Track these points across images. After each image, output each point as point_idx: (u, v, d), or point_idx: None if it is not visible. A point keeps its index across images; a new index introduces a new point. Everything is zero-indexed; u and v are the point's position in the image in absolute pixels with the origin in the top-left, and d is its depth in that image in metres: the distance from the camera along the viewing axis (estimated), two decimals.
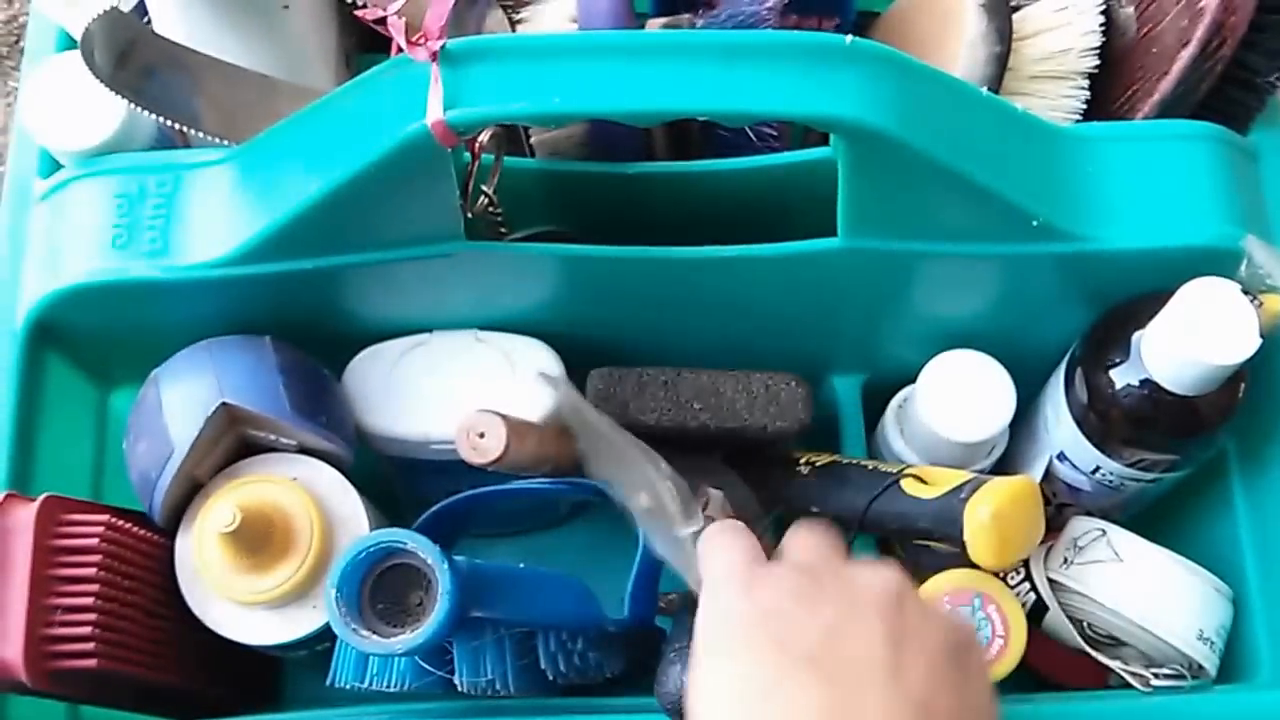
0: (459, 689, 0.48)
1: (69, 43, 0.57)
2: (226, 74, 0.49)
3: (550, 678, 0.51)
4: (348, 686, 0.49)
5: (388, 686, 0.48)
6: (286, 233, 0.47)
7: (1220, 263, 0.50)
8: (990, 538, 0.50)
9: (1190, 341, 0.48)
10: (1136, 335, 0.51)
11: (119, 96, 0.47)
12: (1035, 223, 0.48)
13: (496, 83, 0.41)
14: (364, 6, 0.44)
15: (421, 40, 0.41)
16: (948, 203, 0.47)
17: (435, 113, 0.41)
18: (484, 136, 0.49)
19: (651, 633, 0.58)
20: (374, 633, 0.44)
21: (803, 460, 0.61)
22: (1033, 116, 0.50)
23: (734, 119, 0.42)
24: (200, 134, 0.49)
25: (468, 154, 0.50)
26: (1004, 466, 0.60)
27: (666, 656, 0.48)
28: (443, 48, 0.41)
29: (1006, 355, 0.56)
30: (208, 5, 0.51)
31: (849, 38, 0.41)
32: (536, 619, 0.49)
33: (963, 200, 0.47)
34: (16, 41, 0.81)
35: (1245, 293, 0.48)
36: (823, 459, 0.60)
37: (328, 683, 0.50)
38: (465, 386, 0.54)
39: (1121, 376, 0.52)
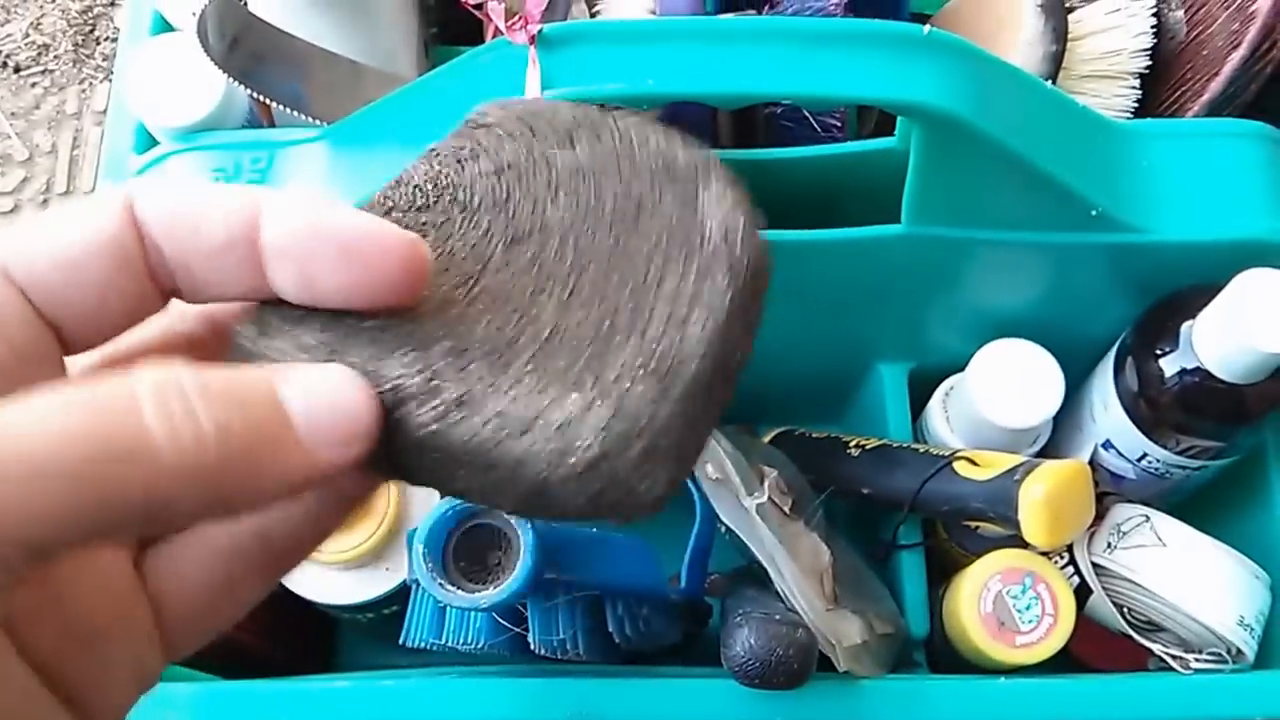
0: (531, 647, 0.50)
1: (164, 25, 0.59)
2: (324, 59, 0.52)
3: (616, 641, 0.52)
4: (423, 645, 0.51)
5: (463, 644, 0.50)
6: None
7: (1270, 256, 0.52)
8: (1044, 517, 0.51)
9: (1243, 329, 0.49)
10: (1187, 325, 0.53)
11: (231, 79, 0.49)
12: (1094, 212, 0.50)
13: (592, 65, 0.43)
14: None
15: (521, 24, 0.43)
16: (1013, 190, 0.49)
17: (533, 93, 0.43)
18: None
19: (700, 607, 0.60)
20: (459, 589, 0.47)
21: (852, 443, 0.63)
22: (1092, 111, 0.52)
23: (820, 103, 0.44)
24: (299, 115, 0.51)
25: None
26: (1047, 455, 0.62)
27: (732, 622, 0.50)
28: (539, 31, 0.44)
29: (1052, 345, 0.58)
30: None
31: (926, 27, 0.43)
32: (607, 582, 0.51)
33: (1028, 188, 0.49)
34: (91, 31, 0.84)
35: None
36: (872, 442, 0.62)
37: (400, 641, 0.52)
38: None
39: (1172, 364, 0.53)
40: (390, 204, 0.26)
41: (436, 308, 0.24)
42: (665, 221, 0.25)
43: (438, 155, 0.27)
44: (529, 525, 0.46)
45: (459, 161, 0.27)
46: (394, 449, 0.23)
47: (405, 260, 0.24)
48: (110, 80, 0.88)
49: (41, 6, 0.85)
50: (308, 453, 0.21)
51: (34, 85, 0.82)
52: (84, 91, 0.80)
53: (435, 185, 0.27)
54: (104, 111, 0.85)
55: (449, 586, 0.46)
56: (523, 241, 0.25)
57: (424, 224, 0.26)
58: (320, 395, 0.22)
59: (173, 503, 0.20)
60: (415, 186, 0.27)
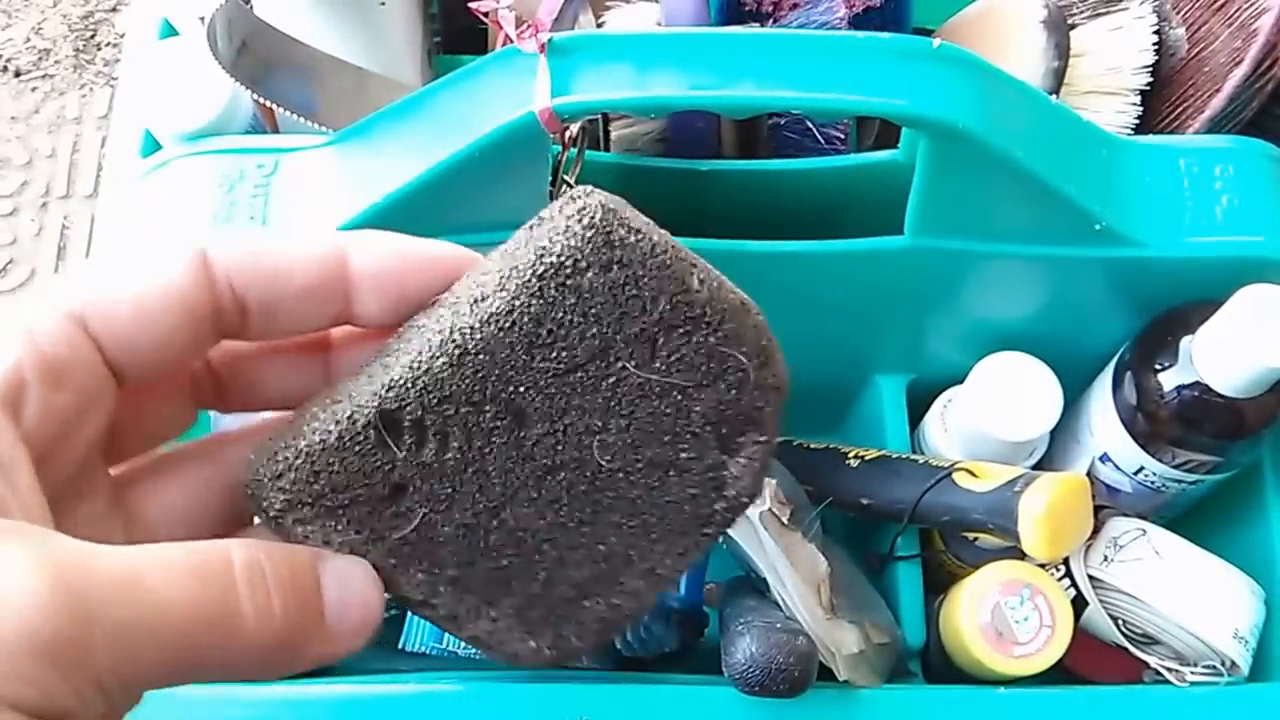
0: None
1: (171, 30, 0.59)
2: (331, 66, 0.52)
3: (616, 647, 0.52)
4: (423, 650, 0.51)
5: (463, 649, 0.50)
6: (388, 213, 0.49)
7: (1270, 273, 0.52)
8: (1044, 529, 0.51)
9: (1244, 344, 0.50)
10: (1186, 340, 0.54)
11: (240, 84, 0.49)
12: (1098, 227, 0.50)
13: (600, 74, 0.44)
14: None
15: (531, 32, 0.44)
16: (1017, 204, 0.49)
17: (543, 100, 0.43)
18: (573, 129, 0.51)
19: (697, 615, 0.60)
20: None
21: (851, 454, 0.63)
22: (1095, 126, 0.53)
23: (829, 114, 0.45)
24: (305, 121, 0.51)
25: (556, 146, 0.52)
26: (1043, 468, 0.62)
27: (733, 629, 0.50)
28: (549, 40, 0.44)
29: (1051, 359, 0.58)
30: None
31: (936, 41, 0.44)
32: None
33: (1032, 201, 0.49)
34: (92, 36, 0.84)
35: None
36: (871, 453, 0.62)
37: (399, 646, 0.52)
38: None
39: (1171, 379, 0.54)
40: (450, 389, 0.26)
41: (457, 531, 0.27)
42: (686, 492, 0.28)
43: (515, 325, 0.26)
44: None
45: (532, 346, 0.26)
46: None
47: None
48: (111, 85, 0.88)
49: (43, 11, 0.85)
50: (330, 637, 0.25)
51: (34, 89, 0.82)
52: (84, 96, 0.80)
53: (500, 375, 0.26)
54: (104, 116, 0.85)
55: None
56: (556, 473, 0.27)
57: (471, 428, 0.26)
58: (350, 588, 0.26)
59: (235, 668, 0.23)
60: (481, 374, 0.26)
